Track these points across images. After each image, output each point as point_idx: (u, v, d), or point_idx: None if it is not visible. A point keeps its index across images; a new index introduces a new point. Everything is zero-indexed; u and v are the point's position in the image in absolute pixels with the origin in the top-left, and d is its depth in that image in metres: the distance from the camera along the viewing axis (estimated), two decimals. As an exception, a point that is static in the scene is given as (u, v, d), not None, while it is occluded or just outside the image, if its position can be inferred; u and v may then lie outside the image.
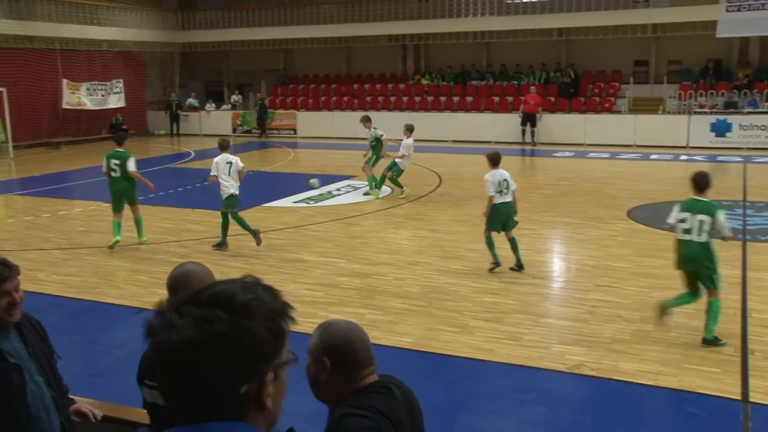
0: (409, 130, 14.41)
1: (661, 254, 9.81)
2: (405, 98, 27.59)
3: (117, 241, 10.56)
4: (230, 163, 10.50)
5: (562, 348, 6.66)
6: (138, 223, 10.88)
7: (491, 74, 27.67)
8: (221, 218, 10.53)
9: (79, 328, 7.60)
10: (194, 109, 30.02)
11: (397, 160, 14.43)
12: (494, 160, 9.18)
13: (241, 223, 10.47)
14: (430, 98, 27.24)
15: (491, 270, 9.12)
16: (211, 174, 10.65)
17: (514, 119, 24.12)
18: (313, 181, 14.06)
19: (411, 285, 8.70)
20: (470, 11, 26.38)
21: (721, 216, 6.59)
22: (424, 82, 28.11)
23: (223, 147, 10.76)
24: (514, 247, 9.14)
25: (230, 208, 10.43)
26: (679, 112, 23.47)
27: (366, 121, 15.32)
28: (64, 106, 25.42)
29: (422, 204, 13.94)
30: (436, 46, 28.59)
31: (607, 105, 24.81)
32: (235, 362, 1.26)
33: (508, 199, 9.10)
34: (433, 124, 25.49)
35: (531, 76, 26.81)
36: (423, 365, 6.46)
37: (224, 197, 10.44)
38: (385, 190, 15.14)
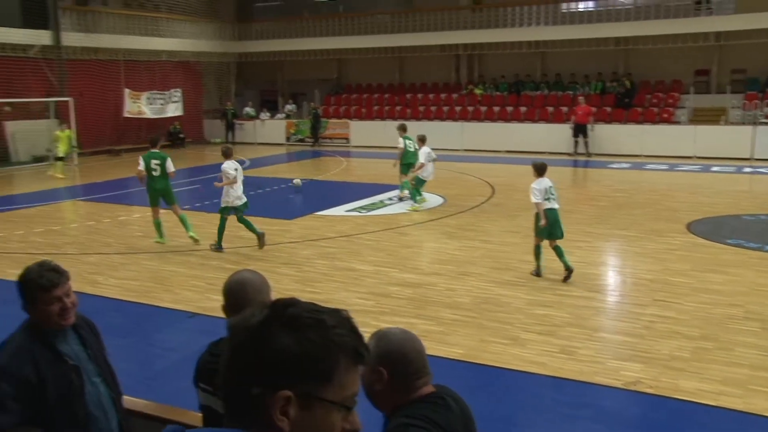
0: (421, 140, 14.53)
1: (724, 269, 9.54)
2: (458, 108, 27.50)
3: (161, 242, 11.47)
4: (237, 169, 11.01)
5: (618, 363, 6.50)
6: (183, 220, 11.45)
7: (546, 84, 27.37)
8: (220, 222, 11.01)
9: (135, 331, 7.76)
10: (251, 117, 30.51)
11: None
12: (540, 170, 9.33)
13: (249, 225, 11.06)
14: (483, 108, 27.08)
15: (532, 274, 9.35)
16: (230, 179, 10.95)
17: (568, 130, 23.79)
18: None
19: (462, 296, 8.63)
20: (525, 21, 26.18)
21: None
22: (477, 91, 27.98)
23: (227, 154, 11.26)
24: (560, 254, 9.15)
25: (243, 211, 11.07)
26: (743, 123, 22.79)
27: (401, 129, 15.41)
28: (125, 114, 26.15)
29: (474, 214, 13.84)
30: (489, 56, 28.44)
31: (665, 115, 24.24)
32: (248, 364, 1.23)
33: (555, 206, 9.21)
34: (486, 134, 25.37)
35: (586, 86, 26.43)
36: (473, 377, 6.38)
37: (242, 202, 10.98)
38: (432, 199, 15.09)
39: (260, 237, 10.98)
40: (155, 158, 11.34)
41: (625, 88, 25.06)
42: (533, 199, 9.12)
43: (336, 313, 1.28)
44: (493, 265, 10.02)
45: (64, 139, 19.99)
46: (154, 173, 11.32)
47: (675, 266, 9.78)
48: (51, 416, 2.91)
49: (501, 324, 7.58)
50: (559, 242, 9.21)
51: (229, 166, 10.90)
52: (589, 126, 23.36)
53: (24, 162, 22.62)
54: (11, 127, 22.74)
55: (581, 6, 26.85)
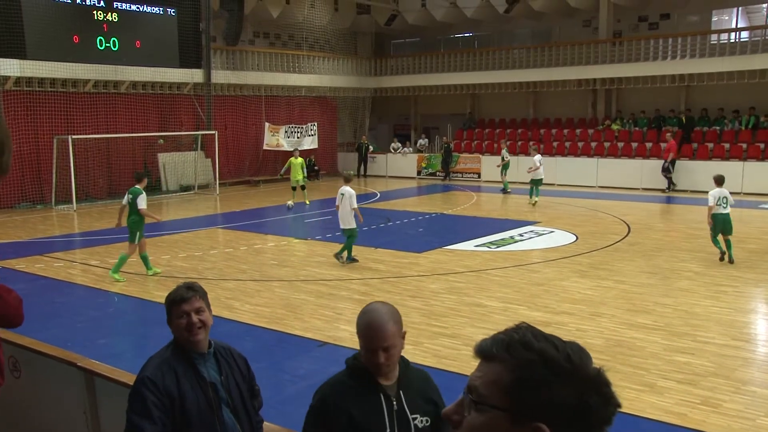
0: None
1: None
2: (593, 144, 26.71)
3: (155, 272, 11.77)
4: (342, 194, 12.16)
5: (769, 421, 5.96)
6: (143, 258, 11.72)
7: (689, 119, 26.02)
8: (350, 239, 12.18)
9: (267, 357, 7.99)
10: (395, 151, 31.09)
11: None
12: (718, 181, 12.24)
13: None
14: (620, 144, 26.13)
15: (720, 260, 12.05)
16: (353, 206, 12.10)
17: (715, 169, 22.48)
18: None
19: (594, 337, 8.26)
20: (669, 53, 25.13)
21: None
22: (614, 127, 27.06)
23: (348, 179, 12.59)
24: (729, 246, 12.06)
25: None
26: None
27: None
28: (265, 147, 27.41)
29: (608, 253, 13.30)
30: (629, 90, 27.47)
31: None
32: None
33: (726, 210, 11.99)
34: (622, 170, 24.50)
35: (736, 121, 24.89)
36: (606, 425, 6.05)
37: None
38: (564, 237, 14.64)
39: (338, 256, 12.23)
40: (131, 193, 11.53)
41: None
42: (708, 203, 12.06)
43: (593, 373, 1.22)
44: (628, 306, 9.55)
45: (297, 166, 20.64)
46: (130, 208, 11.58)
47: (836, 317, 8.91)
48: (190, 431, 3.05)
49: (635, 369, 7.18)
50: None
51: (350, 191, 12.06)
52: (673, 161, 23.32)
53: (172, 191, 24.21)
54: (163, 158, 24.47)
55: (733, 36, 25.42)
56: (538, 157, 20.70)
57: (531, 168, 20.73)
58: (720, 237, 12.12)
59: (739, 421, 5.99)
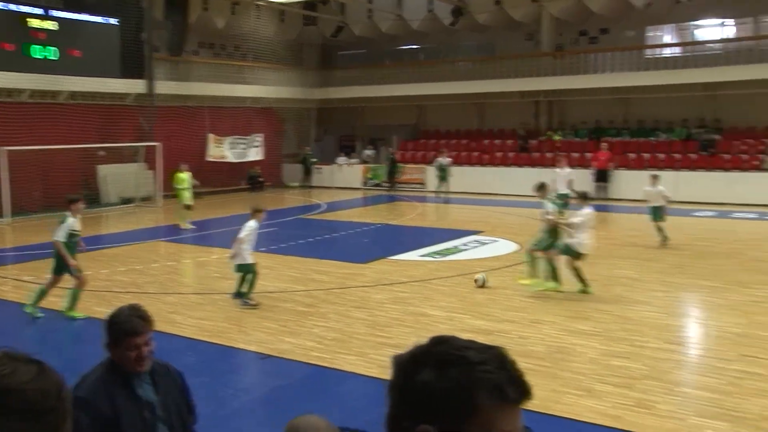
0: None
1: (817, 325, 8.99)
2: (536, 154, 27.24)
3: (72, 316, 9.78)
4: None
5: (701, 421, 6.17)
6: (41, 291, 9.99)
7: (627, 130, 26.84)
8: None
9: (210, 371, 7.89)
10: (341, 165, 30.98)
11: None
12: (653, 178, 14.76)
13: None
14: (561, 154, 26.69)
15: None
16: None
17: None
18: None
19: (535, 344, 8.42)
20: (608, 67, 25.86)
21: None
22: (556, 137, 27.70)
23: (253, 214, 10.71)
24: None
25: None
26: (838, 171, 21.69)
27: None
28: (208, 158, 27.10)
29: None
30: (570, 102, 28.18)
31: (755, 162, 23.32)
32: (396, 397, 1.29)
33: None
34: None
35: (670, 132, 25.79)
36: (546, 429, 6.17)
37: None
38: (505, 246, 14.87)
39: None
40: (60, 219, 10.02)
41: (708, 138, 24.34)
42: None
43: (488, 349, 1.29)
44: (568, 313, 9.77)
45: (184, 181, 18.96)
46: None
47: (763, 319, 9.28)
48: None
49: (574, 374, 7.35)
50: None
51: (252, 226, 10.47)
52: (609, 172, 24.08)
53: (113, 204, 23.68)
54: (103, 170, 23.93)
55: (667, 51, 26.39)
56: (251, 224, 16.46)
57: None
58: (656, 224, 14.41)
59: (671, 421, 6.18)
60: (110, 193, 24.02)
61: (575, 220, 10.84)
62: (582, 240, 10.69)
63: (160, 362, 3.27)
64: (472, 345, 1.29)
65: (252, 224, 10.47)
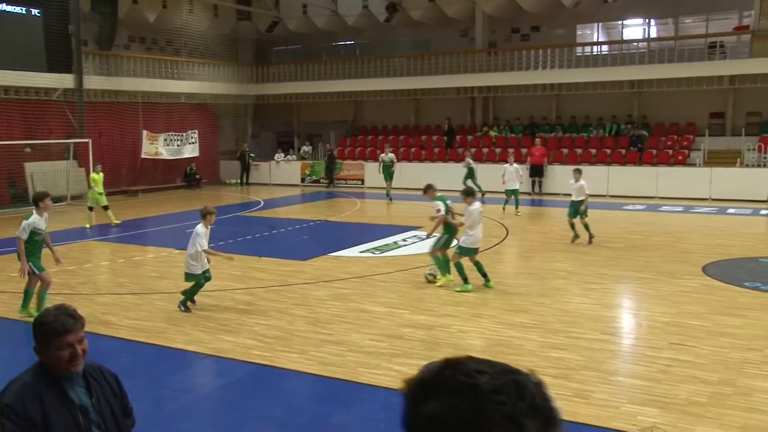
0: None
1: (741, 312, 9.41)
2: (472, 150, 27.58)
3: (29, 313, 9.55)
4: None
5: (634, 408, 6.39)
6: (38, 295, 9.78)
7: (560, 126, 27.50)
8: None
9: (147, 372, 7.72)
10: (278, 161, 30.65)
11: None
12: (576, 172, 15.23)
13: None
14: (497, 150, 27.19)
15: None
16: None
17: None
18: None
19: (475, 338, 8.56)
20: (540, 64, 26.43)
21: None
22: (492, 133, 28.13)
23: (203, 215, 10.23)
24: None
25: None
26: (758, 165, 22.71)
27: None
28: (143, 155, 26.48)
29: (488, 255, 13.73)
30: (505, 98, 28.66)
31: (680, 157, 24.24)
32: (406, 421, 1.19)
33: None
34: (499, 175, 25.47)
35: (601, 128, 26.56)
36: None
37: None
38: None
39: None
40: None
41: (639, 134, 25.10)
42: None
43: (506, 374, 1.16)
44: (507, 307, 9.95)
45: (98, 182, 18.51)
46: None
47: (690, 309, 9.66)
48: None
49: (514, 367, 7.48)
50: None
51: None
52: (543, 167, 24.51)
53: (42, 202, 22.86)
54: (30, 168, 23.08)
55: (596, 49, 27.19)
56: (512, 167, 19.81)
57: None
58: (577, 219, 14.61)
59: (606, 409, 6.38)
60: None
61: (465, 219, 11.02)
62: (475, 236, 10.96)
63: (93, 364, 3.15)
64: (487, 369, 1.16)
65: (201, 229, 9.98)
